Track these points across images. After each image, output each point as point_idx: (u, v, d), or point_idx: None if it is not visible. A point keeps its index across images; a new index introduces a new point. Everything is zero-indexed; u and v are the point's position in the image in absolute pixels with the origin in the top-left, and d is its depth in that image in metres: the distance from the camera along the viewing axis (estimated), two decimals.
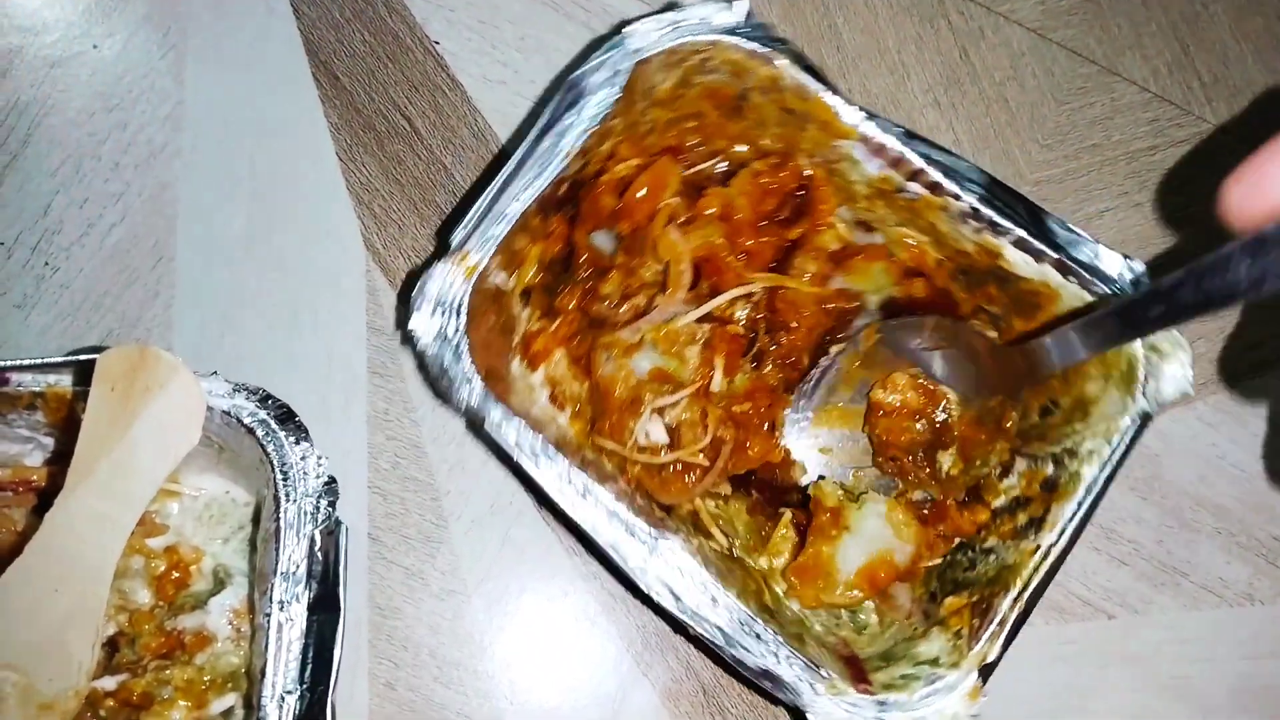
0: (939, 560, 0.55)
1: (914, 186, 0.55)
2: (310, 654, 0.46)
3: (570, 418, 0.57)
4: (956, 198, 0.54)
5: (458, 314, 0.50)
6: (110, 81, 0.68)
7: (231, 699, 0.52)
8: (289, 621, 0.46)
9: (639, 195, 0.57)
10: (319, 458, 0.50)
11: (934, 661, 0.50)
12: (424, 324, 0.50)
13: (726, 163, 0.61)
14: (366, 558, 0.60)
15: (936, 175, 0.54)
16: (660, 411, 0.55)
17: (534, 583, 0.60)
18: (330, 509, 0.49)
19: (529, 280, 0.57)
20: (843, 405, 0.60)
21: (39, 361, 0.49)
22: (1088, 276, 0.52)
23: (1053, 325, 0.51)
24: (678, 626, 0.49)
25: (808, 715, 0.47)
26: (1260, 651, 0.62)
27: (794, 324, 0.57)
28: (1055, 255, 0.52)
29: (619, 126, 0.56)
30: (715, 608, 0.48)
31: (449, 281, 0.51)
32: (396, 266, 0.65)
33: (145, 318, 0.63)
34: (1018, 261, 0.53)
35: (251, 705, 0.47)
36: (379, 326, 0.64)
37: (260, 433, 0.50)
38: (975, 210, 0.53)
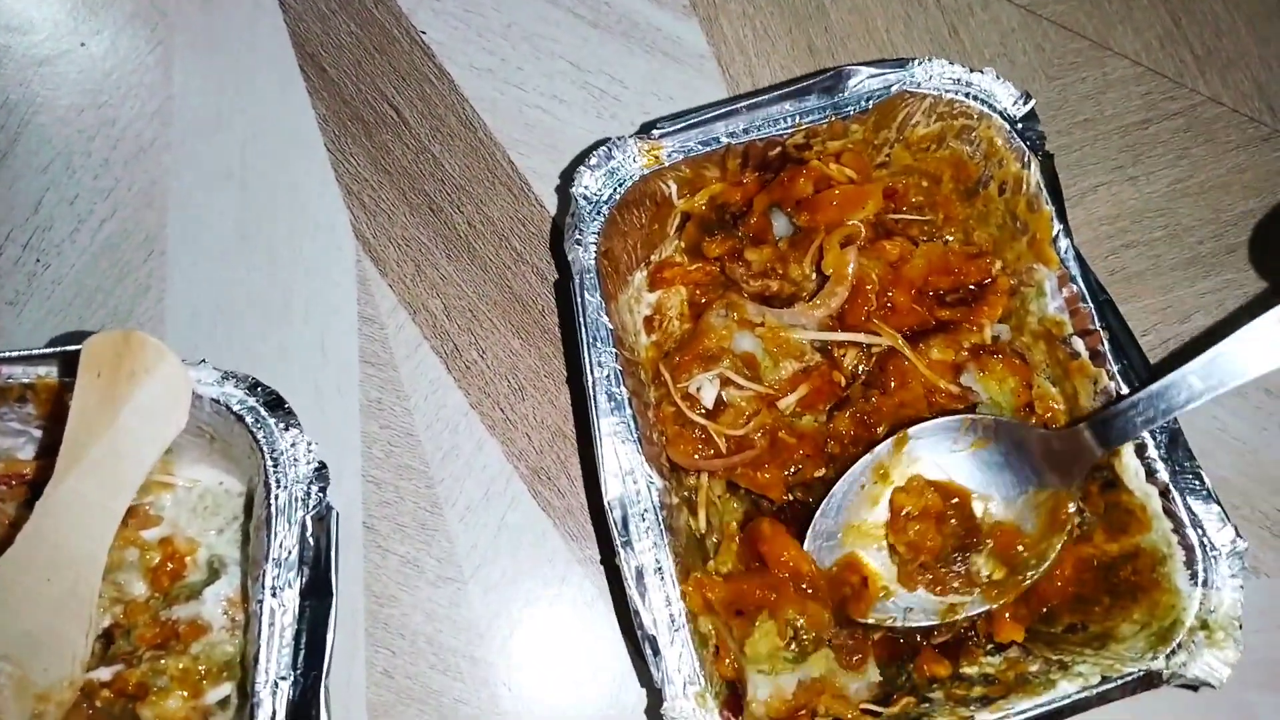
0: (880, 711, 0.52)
1: (1078, 344, 0.54)
2: (303, 640, 0.46)
3: (650, 343, 0.59)
4: (1111, 377, 0.52)
5: (618, 188, 0.55)
6: (98, 78, 0.68)
7: (227, 688, 0.52)
8: (281, 607, 0.46)
9: (833, 201, 0.58)
10: (309, 444, 0.49)
11: None
12: (589, 178, 0.55)
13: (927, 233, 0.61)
14: (362, 546, 0.60)
15: (1104, 345, 0.52)
16: (725, 382, 0.55)
17: (530, 568, 0.60)
18: (321, 494, 0.49)
19: (696, 207, 0.60)
20: (870, 520, 0.55)
21: (24, 353, 0.50)
22: (1186, 524, 0.49)
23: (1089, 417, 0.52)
24: (609, 550, 0.50)
25: (664, 706, 0.46)
26: (1266, 625, 0.61)
27: (892, 393, 0.56)
28: (1167, 483, 0.50)
29: (857, 135, 0.58)
30: (649, 554, 0.48)
31: (631, 157, 0.55)
32: (387, 255, 0.65)
33: (137, 311, 0.63)
34: (1130, 468, 0.52)
35: (247, 693, 0.47)
36: (370, 315, 0.64)
37: (250, 419, 0.50)
38: (1120, 399, 0.51)
